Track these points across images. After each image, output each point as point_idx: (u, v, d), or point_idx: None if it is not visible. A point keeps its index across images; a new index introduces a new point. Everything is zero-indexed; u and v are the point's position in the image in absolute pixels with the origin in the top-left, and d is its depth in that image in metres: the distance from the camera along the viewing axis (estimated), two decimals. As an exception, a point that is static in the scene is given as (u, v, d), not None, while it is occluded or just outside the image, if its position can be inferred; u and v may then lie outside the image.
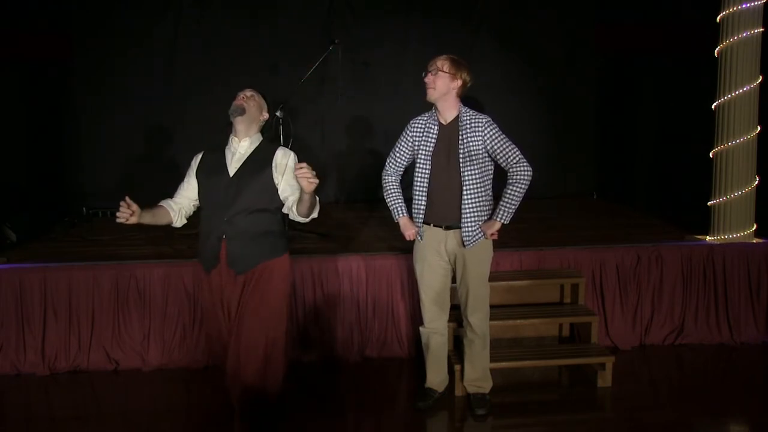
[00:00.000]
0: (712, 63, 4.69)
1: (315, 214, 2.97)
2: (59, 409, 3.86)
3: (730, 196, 4.67)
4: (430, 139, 3.35)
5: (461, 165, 3.26)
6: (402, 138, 3.47)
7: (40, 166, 6.47)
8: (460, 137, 3.28)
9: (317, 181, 2.63)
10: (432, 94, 3.27)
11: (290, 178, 2.94)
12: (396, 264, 4.36)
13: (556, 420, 3.57)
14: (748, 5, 4.43)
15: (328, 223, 5.59)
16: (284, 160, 2.99)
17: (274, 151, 3.01)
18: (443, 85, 3.26)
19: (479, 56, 6.57)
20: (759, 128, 4.64)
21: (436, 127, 3.35)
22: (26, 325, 4.21)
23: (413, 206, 3.43)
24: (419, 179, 3.37)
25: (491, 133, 3.29)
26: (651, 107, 7.02)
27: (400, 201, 3.50)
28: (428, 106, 3.41)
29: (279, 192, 2.96)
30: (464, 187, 3.27)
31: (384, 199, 3.56)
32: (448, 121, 3.34)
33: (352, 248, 4.60)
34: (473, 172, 3.27)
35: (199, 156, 3.11)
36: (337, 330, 4.35)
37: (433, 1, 6.74)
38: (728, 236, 4.69)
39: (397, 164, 3.51)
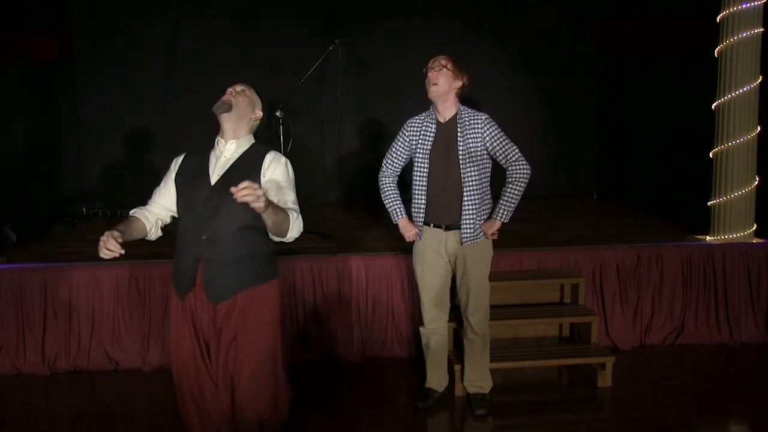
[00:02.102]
0: (712, 63, 4.69)
1: (294, 234, 2.48)
2: (59, 409, 3.86)
3: (730, 196, 4.66)
4: (428, 138, 3.34)
5: (461, 163, 3.26)
6: (398, 138, 3.47)
7: (40, 166, 6.47)
8: (459, 135, 3.28)
9: (262, 201, 2.15)
10: (435, 90, 3.26)
11: (274, 187, 2.51)
12: (396, 264, 4.36)
13: (556, 420, 3.57)
14: (748, 5, 4.43)
15: (328, 223, 5.59)
16: (273, 164, 2.55)
17: (265, 154, 2.58)
18: (446, 83, 3.25)
19: (479, 56, 6.57)
20: (759, 128, 4.64)
21: (434, 126, 3.35)
22: (26, 325, 4.21)
23: (413, 206, 3.42)
24: (418, 178, 3.36)
25: (490, 131, 3.28)
26: (651, 107, 7.02)
27: (398, 202, 3.50)
28: (427, 106, 3.41)
29: None
30: (464, 186, 3.27)
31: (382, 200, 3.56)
32: (447, 119, 3.33)
33: (352, 248, 4.60)
34: (472, 170, 3.26)
35: (180, 159, 2.68)
36: (337, 330, 4.35)
37: (433, 1, 6.73)
38: (728, 236, 4.69)
39: (394, 165, 3.50)
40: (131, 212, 2.62)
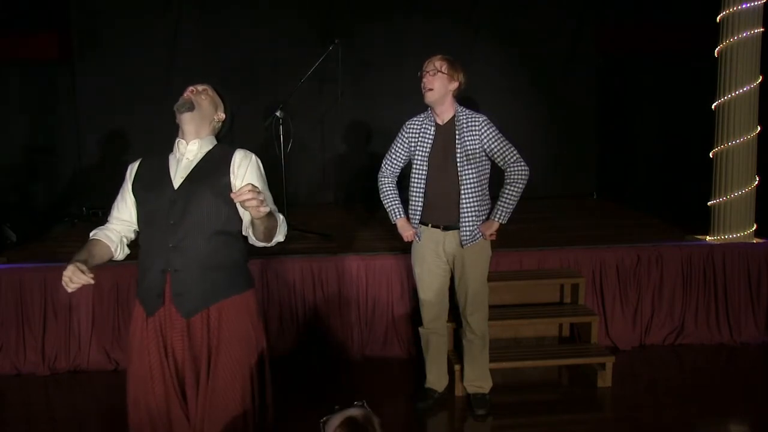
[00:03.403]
0: (712, 63, 4.68)
1: (280, 238, 2.34)
2: (59, 409, 3.86)
3: (730, 196, 4.66)
4: (426, 140, 3.34)
5: (459, 165, 3.26)
6: (398, 139, 3.47)
7: (40, 166, 6.47)
8: (457, 137, 3.28)
9: (266, 207, 2.01)
10: (431, 96, 3.25)
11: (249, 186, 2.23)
12: (396, 264, 4.36)
13: (556, 420, 3.57)
14: (748, 5, 4.43)
15: (328, 223, 5.59)
16: (243, 163, 2.32)
17: (232, 153, 2.34)
18: (442, 86, 3.24)
19: (479, 56, 6.56)
20: (759, 128, 4.64)
21: (432, 128, 3.35)
22: (26, 325, 4.21)
23: (410, 207, 3.42)
24: (416, 180, 3.36)
25: (488, 132, 3.28)
26: (651, 107, 7.02)
27: (397, 202, 3.50)
28: (427, 107, 3.40)
29: (238, 207, 2.25)
30: (462, 187, 3.27)
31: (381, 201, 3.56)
32: (445, 121, 3.33)
33: (352, 248, 4.60)
34: (471, 172, 3.26)
35: (135, 165, 2.42)
36: (337, 330, 4.35)
37: (433, 1, 6.73)
38: (728, 236, 4.69)
39: (393, 166, 3.50)
40: (91, 234, 2.36)
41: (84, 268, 2.07)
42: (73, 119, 6.60)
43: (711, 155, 4.77)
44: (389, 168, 3.51)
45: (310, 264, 4.32)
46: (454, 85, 3.28)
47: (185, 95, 2.39)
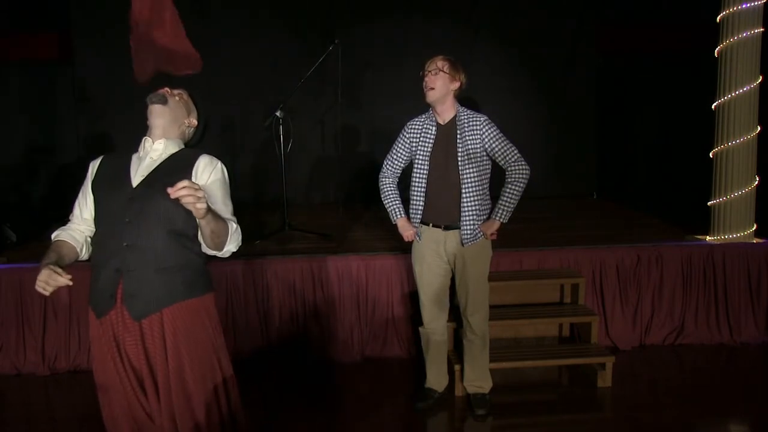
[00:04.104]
0: (712, 63, 4.69)
1: (232, 247, 2.24)
2: (59, 409, 3.86)
3: (730, 196, 4.66)
4: (427, 140, 3.34)
5: (460, 165, 3.26)
6: (399, 140, 3.47)
7: (40, 166, 6.47)
8: (458, 137, 3.28)
9: (204, 203, 1.93)
10: (432, 95, 3.26)
11: (213, 194, 2.24)
12: (396, 264, 4.36)
13: (556, 420, 3.57)
14: (748, 5, 4.43)
15: (328, 223, 5.59)
16: (207, 169, 2.27)
17: (197, 157, 2.30)
18: (443, 86, 3.25)
19: (479, 56, 6.57)
20: (759, 128, 4.64)
21: (433, 128, 3.35)
22: (26, 325, 4.21)
23: (411, 207, 3.42)
24: (417, 180, 3.36)
25: (489, 132, 3.29)
26: (651, 107, 7.03)
27: (397, 202, 3.50)
28: (427, 107, 3.41)
29: None
30: (463, 187, 3.27)
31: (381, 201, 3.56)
32: (446, 121, 3.33)
33: (352, 248, 4.60)
34: (471, 171, 3.26)
35: (97, 162, 2.37)
36: (337, 330, 4.35)
37: (432, 1, 6.74)
38: (728, 236, 4.69)
39: (394, 166, 3.50)
40: (54, 236, 2.30)
41: (59, 270, 2.03)
42: (73, 119, 6.60)
43: (711, 155, 4.77)
44: (390, 168, 3.51)
45: (310, 264, 4.32)
46: (456, 85, 3.28)
47: (159, 90, 2.36)
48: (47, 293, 2.04)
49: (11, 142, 6.25)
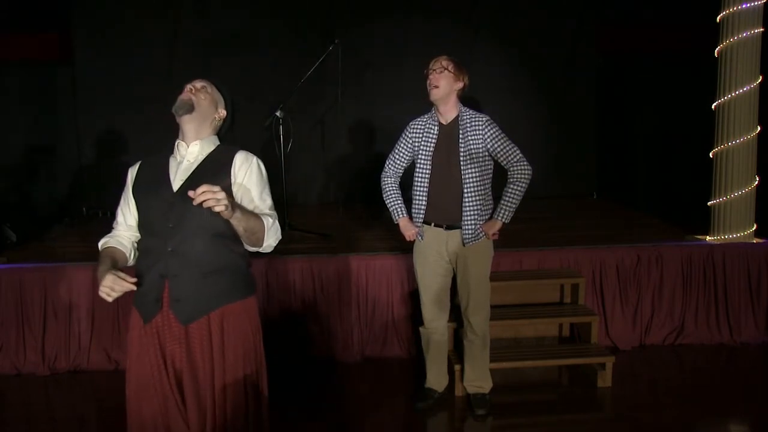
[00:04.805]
0: (712, 63, 4.69)
1: (271, 242, 2.24)
2: (59, 409, 3.86)
3: (730, 196, 4.66)
4: (430, 140, 3.35)
5: (462, 165, 3.26)
6: (401, 139, 3.47)
7: (40, 166, 6.47)
8: (461, 137, 3.28)
9: (224, 204, 1.92)
10: (437, 93, 3.26)
11: (249, 191, 2.26)
12: (396, 264, 4.36)
13: (556, 420, 3.57)
14: (748, 5, 4.43)
15: (328, 223, 5.59)
16: (244, 166, 2.26)
17: (233, 155, 2.28)
18: (447, 85, 3.25)
19: (479, 56, 6.56)
20: (759, 128, 4.64)
21: (436, 127, 3.36)
22: (26, 325, 4.21)
23: (413, 206, 3.42)
24: (419, 179, 3.36)
25: (491, 132, 3.29)
26: (651, 107, 7.02)
27: (399, 202, 3.50)
28: (428, 107, 3.41)
29: None
30: (464, 187, 3.27)
31: (383, 200, 3.56)
32: (449, 121, 3.34)
33: (352, 248, 4.60)
34: (473, 171, 3.27)
35: (136, 168, 2.37)
36: (337, 330, 4.35)
37: (433, 1, 6.74)
38: (728, 236, 4.69)
39: (397, 166, 3.51)
40: (102, 244, 2.32)
41: (122, 274, 2.05)
42: (73, 119, 6.60)
43: (711, 155, 4.77)
44: (392, 168, 3.52)
45: (310, 264, 4.32)
46: (459, 85, 3.29)
47: (183, 95, 2.30)
48: (111, 299, 2.06)
49: (11, 142, 6.25)
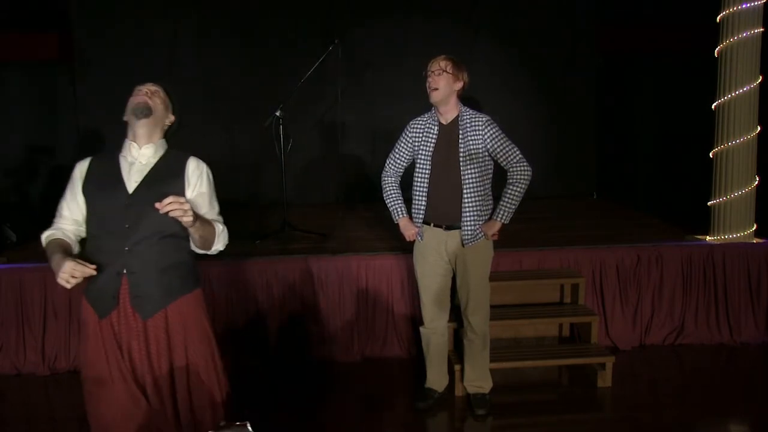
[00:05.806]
0: (712, 63, 4.69)
1: (219, 246, 2.41)
2: (59, 409, 3.86)
3: (730, 196, 4.66)
4: (430, 140, 3.34)
5: (461, 165, 3.26)
6: (401, 139, 3.47)
7: (40, 166, 6.47)
8: (461, 137, 3.28)
9: (190, 215, 2.09)
10: (437, 95, 3.26)
11: (202, 197, 2.37)
12: (396, 264, 4.36)
13: (556, 420, 3.57)
14: (748, 5, 4.43)
15: (328, 223, 5.59)
16: (196, 173, 2.38)
17: (186, 161, 2.39)
18: (447, 86, 3.25)
19: (479, 56, 6.56)
20: (759, 128, 4.64)
21: (436, 127, 3.35)
22: (26, 325, 4.21)
23: (413, 206, 3.43)
24: (419, 179, 3.36)
25: (491, 132, 3.29)
26: (651, 107, 7.02)
27: (399, 202, 3.50)
28: (428, 107, 3.41)
29: None
30: (464, 187, 3.27)
31: (384, 200, 3.56)
32: (449, 121, 3.34)
33: (352, 248, 4.60)
34: (473, 171, 3.27)
35: (84, 165, 2.39)
36: (337, 330, 4.35)
37: (433, 1, 6.74)
38: (728, 236, 4.69)
39: (397, 165, 3.51)
40: (46, 236, 2.33)
41: (79, 260, 2.11)
42: (73, 119, 6.60)
43: (711, 155, 4.77)
44: (392, 167, 3.52)
45: (310, 264, 4.32)
46: (459, 84, 3.29)
47: (140, 99, 2.36)
48: (70, 286, 2.09)
49: (11, 142, 6.25)
